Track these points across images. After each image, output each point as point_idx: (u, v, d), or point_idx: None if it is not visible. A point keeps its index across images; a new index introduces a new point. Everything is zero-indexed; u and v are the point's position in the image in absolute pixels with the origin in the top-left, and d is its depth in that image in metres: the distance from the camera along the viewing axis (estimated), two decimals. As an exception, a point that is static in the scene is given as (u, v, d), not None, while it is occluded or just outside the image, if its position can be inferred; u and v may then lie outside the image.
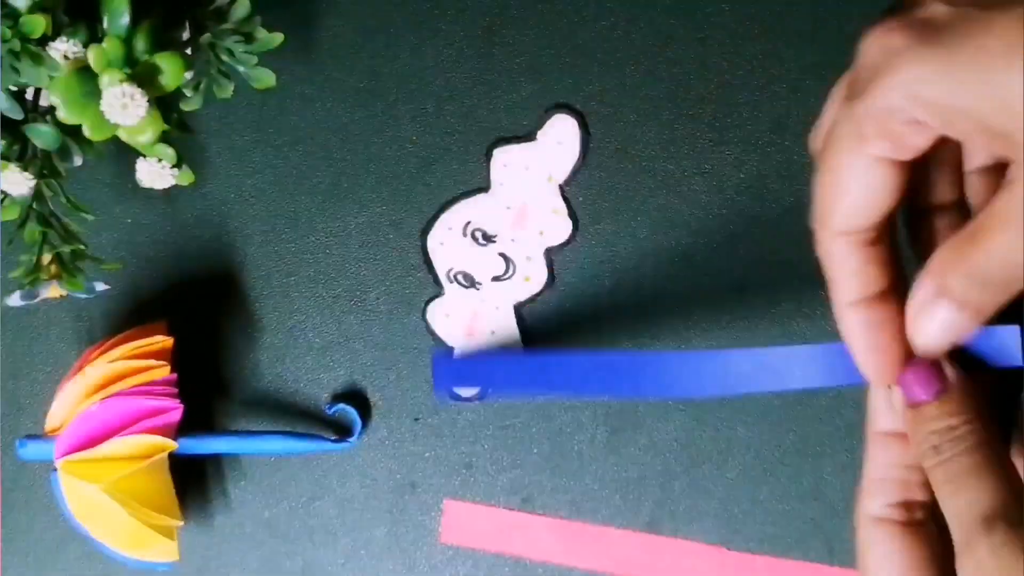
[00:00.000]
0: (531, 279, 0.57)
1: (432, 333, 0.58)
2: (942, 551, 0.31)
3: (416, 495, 0.58)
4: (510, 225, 0.57)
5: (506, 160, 0.57)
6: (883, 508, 0.33)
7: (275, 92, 0.53)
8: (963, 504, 0.29)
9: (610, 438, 0.57)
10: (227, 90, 0.51)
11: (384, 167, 0.59)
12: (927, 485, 0.32)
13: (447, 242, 0.58)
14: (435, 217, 0.58)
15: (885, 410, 0.34)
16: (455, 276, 0.57)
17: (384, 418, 0.58)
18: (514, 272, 0.57)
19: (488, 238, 0.57)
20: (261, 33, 0.50)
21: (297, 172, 0.59)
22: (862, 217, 0.31)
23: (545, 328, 0.57)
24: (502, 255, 0.57)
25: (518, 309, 0.57)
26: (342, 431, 0.58)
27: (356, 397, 0.59)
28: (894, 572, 0.32)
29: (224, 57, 0.50)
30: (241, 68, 0.51)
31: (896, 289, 0.33)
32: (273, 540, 0.59)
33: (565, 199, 0.57)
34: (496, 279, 0.57)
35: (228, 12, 0.50)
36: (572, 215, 0.57)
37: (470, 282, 0.57)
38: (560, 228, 0.57)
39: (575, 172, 0.57)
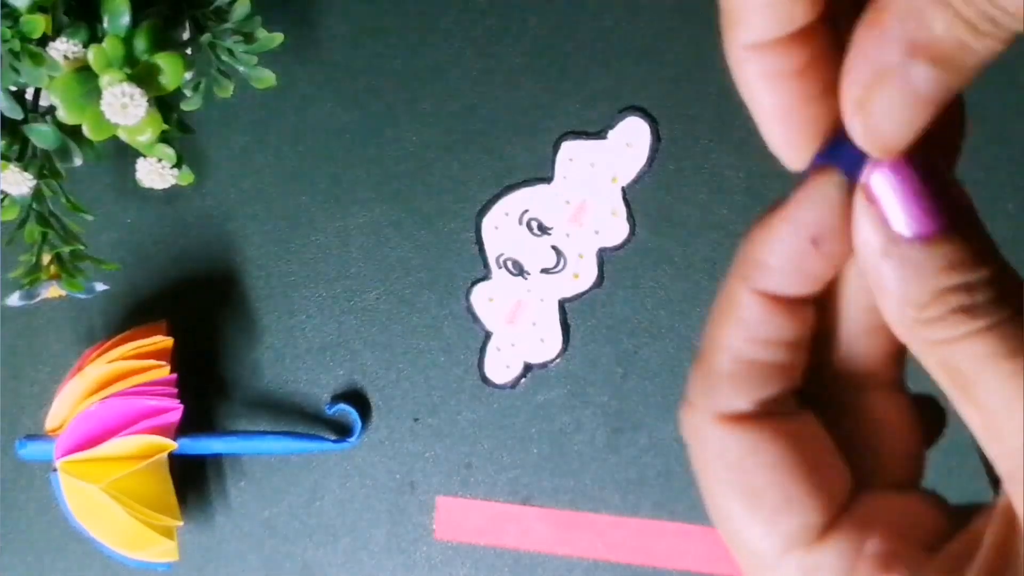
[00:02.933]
0: (580, 276, 0.57)
1: (473, 315, 0.58)
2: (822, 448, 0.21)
3: (416, 495, 0.58)
4: (567, 220, 0.57)
5: (572, 154, 0.57)
6: (753, 400, 0.21)
7: (275, 92, 0.53)
8: None
9: (610, 438, 0.57)
10: (227, 90, 0.51)
11: (384, 167, 0.59)
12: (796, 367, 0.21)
13: (502, 227, 0.58)
14: (494, 200, 0.58)
15: (793, 248, 0.21)
16: (505, 262, 0.57)
17: (384, 418, 0.58)
18: (564, 267, 0.57)
19: (543, 229, 0.57)
20: (261, 33, 0.50)
21: (297, 172, 0.59)
22: None
23: (585, 328, 0.57)
24: (554, 248, 0.57)
25: (562, 304, 0.57)
26: (342, 431, 0.58)
27: (356, 397, 0.59)
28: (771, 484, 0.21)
29: (224, 57, 0.50)
30: (241, 68, 0.51)
31: (827, 25, 0.19)
32: (273, 540, 0.59)
33: (626, 202, 0.57)
34: (545, 271, 0.57)
35: (228, 12, 0.50)
36: (631, 219, 0.57)
37: (519, 270, 0.57)
38: (617, 230, 0.57)
39: (640, 177, 0.57)
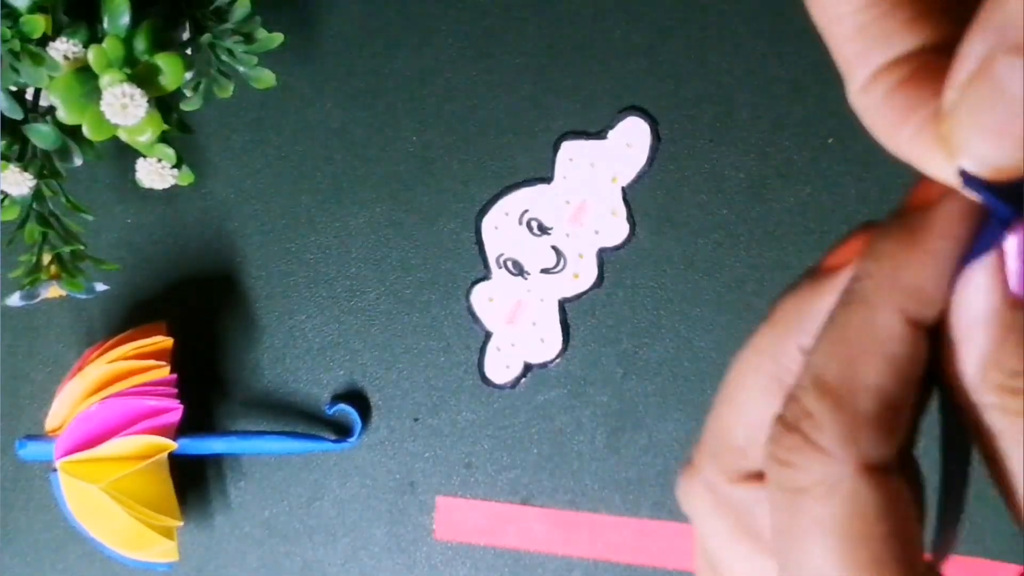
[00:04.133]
0: (580, 276, 0.57)
1: (473, 315, 0.58)
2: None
3: (415, 495, 0.58)
4: (567, 220, 0.57)
5: (572, 154, 0.57)
6: (890, 452, 0.19)
7: (275, 92, 0.53)
8: None
9: (610, 438, 0.57)
10: (227, 90, 0.51)
11: (384, 167, 0.59)
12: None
13: (502, 227, 0.58)
14: (494, 200, 0.58)
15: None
16: (505, 262, 0.57)
17: (384, 418, 0.58)
18: (564, 267, 0.57)
19: (543, 229, 0.57)
20: (261, 33, 0.50)
21: (297, 172, 0.59)
22: None
23: (585, 328, 0.57)
24: (554, 248, 0.57)
25: (562, 304, 0.57)
26: (342, 431, 0.58)
27: (356, 397, 0.59)
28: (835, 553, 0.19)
29: (224, 57, 0.50)
30: (241, 68, 0.51)
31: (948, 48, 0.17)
32: (273, 540, 0.59)
33: (626, 202, 0.57)
34: (545, 271, 0.57)
35: (228, 12, 0.50)
36: (631, 219, 0.57)
37: (519, 270, 0.57)
38: (617, 230, 0.57)
39: (640, 177, 0.56)
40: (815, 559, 0.19)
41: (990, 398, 0.18)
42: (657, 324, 0.56)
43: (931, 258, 0.19)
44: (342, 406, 0.58)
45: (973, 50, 0.16)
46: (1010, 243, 0.18)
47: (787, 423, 0.19)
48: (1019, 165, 0.16)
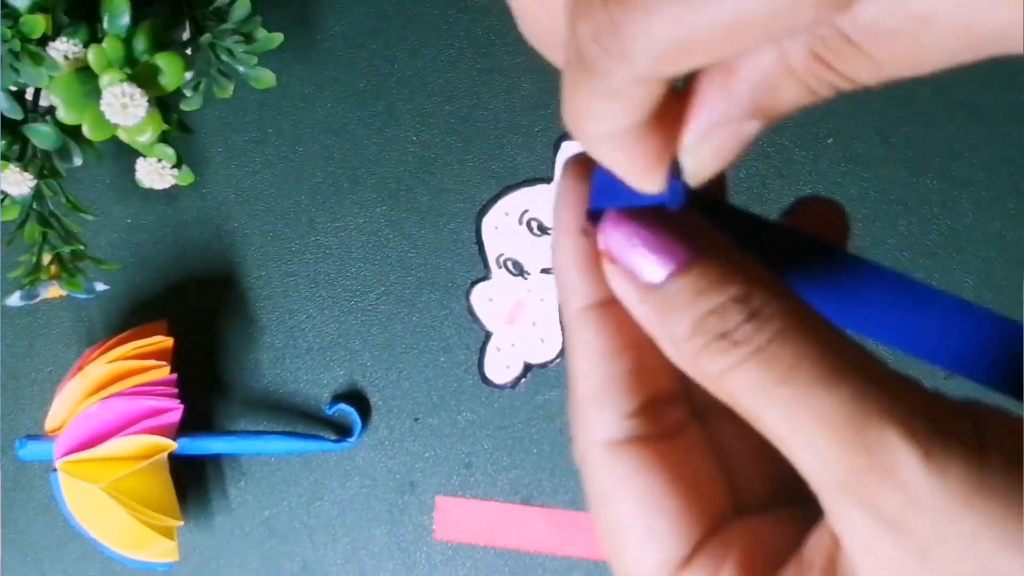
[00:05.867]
0: None
1: (473, 315, 0.58)
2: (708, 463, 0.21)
3: (416, 495, 0.58)
4: None
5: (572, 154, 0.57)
6: (620, 424, 0.21)
7: (275, 92, 0.53)
8: (824, 406, 0.18)
9: (610, 438, 0.57)
10: (227, 90, 0.51)
11: (384, 167, 0.59)
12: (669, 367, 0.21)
13: (502, 227, 0.58)
14: (494, 200, 0.58)
15: (584, 276, 0.22)
16: (505, 262, 0.57)
17: (384, 418, 0.58)
18: None
19: (543, 229, 0.57)
20: (261, 33, 0.50)
21: (297, 172, 0.59)
22: None
23: None
24: None
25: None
26: (342, 431, 0.58)
27: (356, 397, 0.59)
28: (652, 504, 0.20)
29: (224, 57, 0.50)
30: (241, 68, 0.51)
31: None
32: (273, 540, 0.59)
33: None
34: (545, 271, 0.57)
35: (228, 12, 0.50)
36: None
37: (519, 270, 0.57)
38: None
39: None
40: (598, 528, 0.22)
41: (694, 373, 0.20)
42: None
43: (566, 258, 0.22)
44: (342, 406, 0.58)
45: (719, 104, 0.19)
46: (609, 242, 0.21)
47: None
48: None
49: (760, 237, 0.21)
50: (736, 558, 0.20)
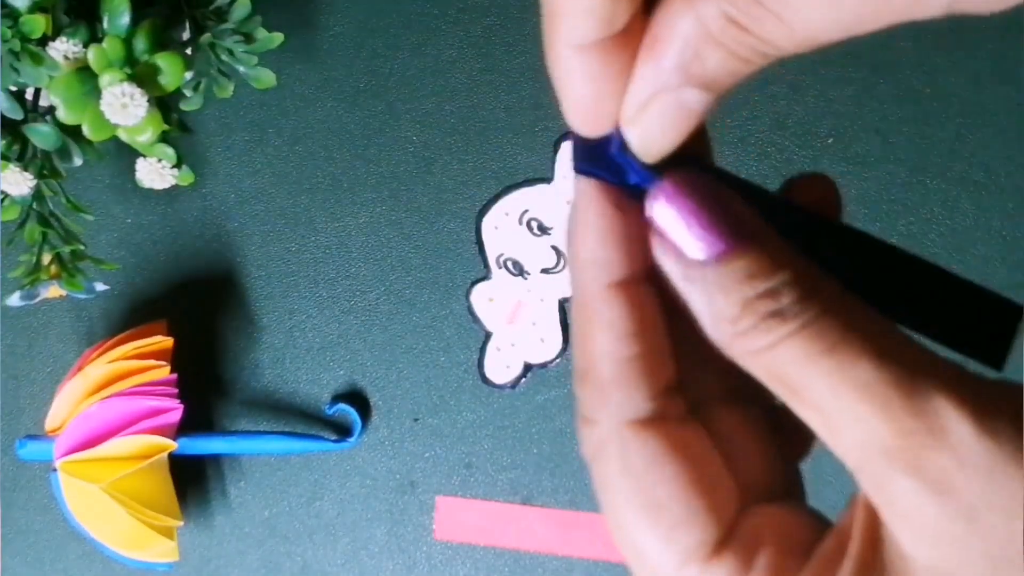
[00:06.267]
0: None
1: (473, 315, 0.58)
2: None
3: (416, 495, 0.58)
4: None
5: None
6: (648, 404, 0.21)
7: (275, 92, 0.53)
8: (873, 374, 0.18)
9: (610, 438, 0.57)
10: (227, 90, 0.51)
11: (384, 167, 0.59)
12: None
13: (501, 227, 0.58)
14: (494, 200, 0.58)
15: (602, 233, 0.21)
16: (505, 262, 0.57)
17: (384, 418, 0.58)
18: (564, 267, 0.57)
19: (543, 229, 0.57)
20: (261, 33, 0.50)
21: (297, 172, 0.59)
22: None
23: None
24: (554, 248, 0.57)
25: (562, 304, 0.57)
26: (342, 431, 0.58)
27: (356, 397, 0.59)
28: (683, 488, 0.21)
29: (224, 57, 0.50)
30: (241, 68, 0.51)
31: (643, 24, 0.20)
32: (273, 540, 0.59)
33: None
34: (545, 271, 0.57)
35: (228, 12, 0.50)
36: None
37: (519, 270, 0.57)
38: None
39: None
40: (615, 515, 0.21)
41: (736, 351, 0.20)
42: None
43: (593, 232, 0.21)
44: (342, 406, 0.58)
45: (651, 72, 0.19)
46: (659, 216, 0.20)
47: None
48: (674, 148, 0.20)
49: (757, 205, 0.21)
50: (771, 541, 0.20)
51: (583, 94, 0.20)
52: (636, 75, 0.19)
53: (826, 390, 0.18)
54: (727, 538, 0.20)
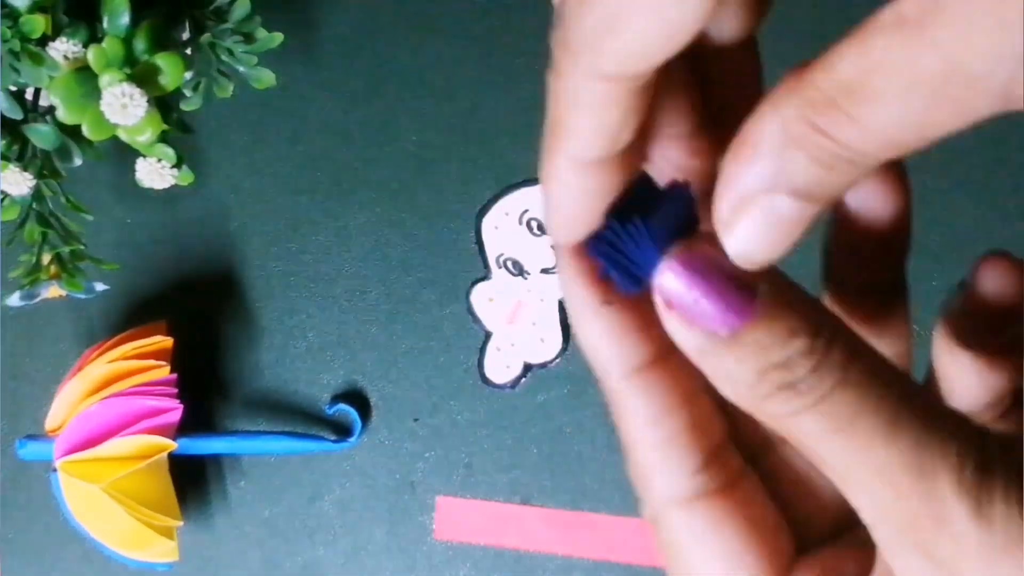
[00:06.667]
0: None
1: (473, 315, 0.58)
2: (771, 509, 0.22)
3: (416, 495, 0.58)
4: None
5: None
6: (690, 481, 0.21)
7: (275, 92, 0.53)
8: (883, 458, 0.18)
9: (610, 438, 0.57)
10: (227, 90, 0.51)
11: (384, 167, 0.59)
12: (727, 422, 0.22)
13: (502, 227, 0.58)
14: (494, 200, 0.58)
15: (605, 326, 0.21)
16: (504, 262, 0.57)
17: (384, 418, 0.58)
18: None
19: (543, 229, 0.56)
20: (261, 33, 0.50)
21: (297, 172, 0.59)
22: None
23: None
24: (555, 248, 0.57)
25: (562, 304, 0.57)
26: (342, 431, 0.58)
27: (356, 397, 0.59)
28: (732, 557, 0.21)
29: (224, 57, 0.50)
30: (241, 68, 0.51)
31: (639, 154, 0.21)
32: (273, 540, 0.59)
33: None
34: (545, 271, 0.57)
35: (228, 12, 0.50)
36: None
37: (519, 270, 0.57)
38: None
39: None
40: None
41: (757, 413, 0.20)
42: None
43: (593, 335, 0.21)
44: (342, 406, 0.58)
45: (740, 179, 0.18)
46: (668, 291, 0.20)
47: None
48: (775, 259, 0.19)
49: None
50: None
51: (572, 208, 0.20)
52: (721, 179, 0.19)
53: (841, 466, 0.19)
54: None
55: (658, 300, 0.20)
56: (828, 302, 0.23)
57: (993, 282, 0.22)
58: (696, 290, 0.19)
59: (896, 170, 0.21)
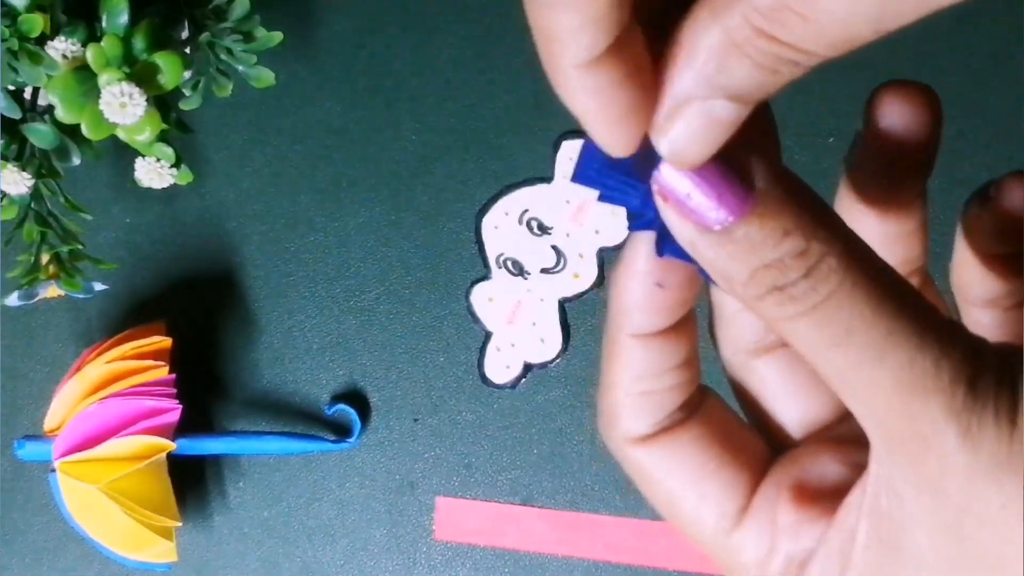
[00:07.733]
0: (580, 276, 0.57)
1: (473, 315, 0.58)
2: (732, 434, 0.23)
3: (415, 495, 0.58)
4: (567, 219, 0.57)
5: (572, 154, 0.57)
6: (650, 428, 0.23)
7: (275, 92, 0.53)
8: (876, 374, 0.18)
9: (610, 438, 0.57)
10: (226, 89, 0.51)
11: (384, 167, 0.59)
12: (687, 384, 0.23)
13: (501, 227, 0.57)
14: (494, 200, 0.58)
15: (643, 294, 0.22)
16: (504, 262, 0.57)
17: (384, 418, 0.58)
18: (564, 267, 0.57)
19: (543, 229, 0.56)
20: (260, 32, 0.50)
21: (297, 172, 0.59)
22: None
23: (585, 328, 0.57)
24: (554, 248, 0.57)
25: (562, 304, 0.57)
26: (342, 431, 0.58)
27: (356, 397, 0.59)
28: (705, 477, 0.22)
29: (223, 56, 0.50)
30: (240, 67, 0.50)
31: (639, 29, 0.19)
32: (272, 540, 0.59)
33: None
34: (545, 271, 0.57)
35: (227, 11, 0.50)
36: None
37: (519, 270, 0.57)
38: (617, 230, 0.56)
39: None
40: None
41: (752, 310, 0.20)
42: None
43: (623, 286, 0.22)
44: (342, 406, 0.58)
45: (677, 83, 0.18)
46: (666, 181, 0.20)
47: None
48: (708, 157, 0.19)
49: None
50: (788, 494, 0.22)
51: (603, 110, 0.19)
52: (663, 87, 0.19)
53: (836, 377, 0.19)
54: (753, 498, 0.22)
55: (655, 192, 0.20)
56: (845, 183, 0.25)
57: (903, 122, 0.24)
58: (689, 181, 0.19)
59: (926, 89, 0.23)
